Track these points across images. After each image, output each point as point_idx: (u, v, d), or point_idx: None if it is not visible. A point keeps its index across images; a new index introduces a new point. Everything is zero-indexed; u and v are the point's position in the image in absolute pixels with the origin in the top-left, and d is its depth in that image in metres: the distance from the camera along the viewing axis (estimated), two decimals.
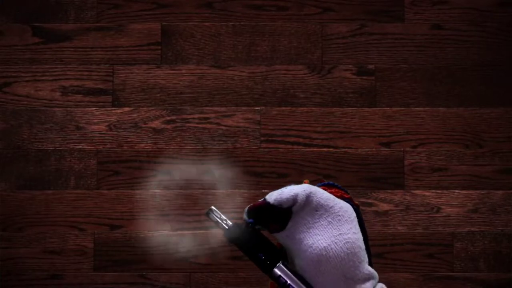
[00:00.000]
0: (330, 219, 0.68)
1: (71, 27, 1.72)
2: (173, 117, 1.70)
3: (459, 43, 1.72)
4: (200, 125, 1.70)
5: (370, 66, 1.71)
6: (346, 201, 0.70)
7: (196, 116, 1.70)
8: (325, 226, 0.67)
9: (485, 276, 1.67)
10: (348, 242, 0.67)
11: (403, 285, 1.67)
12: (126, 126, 1.70)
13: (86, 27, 1.72)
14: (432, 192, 1.69)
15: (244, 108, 1.71)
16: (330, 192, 0.70)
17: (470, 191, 1.69)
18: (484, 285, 1.67)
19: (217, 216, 0.70)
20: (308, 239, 0.67)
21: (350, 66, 1.72)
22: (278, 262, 0.68)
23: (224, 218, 0.70)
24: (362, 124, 1.70)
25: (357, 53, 1.72)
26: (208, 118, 1.70)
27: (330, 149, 1.70)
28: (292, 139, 1.70)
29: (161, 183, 1.68)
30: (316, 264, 0.66)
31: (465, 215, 1.68)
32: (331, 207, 0.68)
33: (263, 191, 1.67)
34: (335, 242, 0.67)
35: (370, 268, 0.68)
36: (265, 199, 0.68)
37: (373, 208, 1.68)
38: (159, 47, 1.72)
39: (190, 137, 1.70)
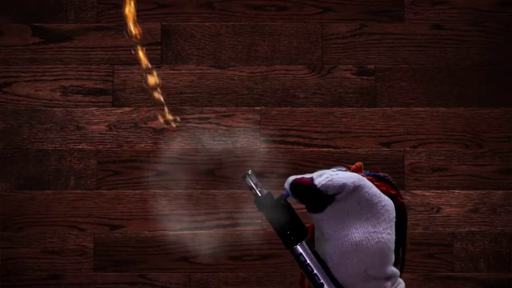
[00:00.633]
0: (369, 215, 0.67)
1: (71, 27, 1.72)
2: (173, 117, 1.70)
3: (459, 43, 1.72)
4: (200, 125, 1.70)
5: (370, 66, 1.71)
6: (390, 197, 0.70)
7: (196, 116, 1.70)
8: (363, 221, 0.67)
9: (485, 276, 1.67)
10: (380, 241, 0.67)
11: None
12: (126, 126, 1.70)
13: (86, 27, 1.72)
14: (432, 192, 1.69)
15: (244, 108, 1.70)
16: (377, 185, 0.69)
17: (470, 191, 1.69)
18: (484, 285, 1.67)
19: (252, 181, 0.68)
20: (343, 229, 0.67)
21: (350, 66, 1.71)
22: (303, 240, 0.68)
23: (260, 184, 0.68)
24: (362, 124, 1.70)
25: (357, 53, 1.72)
26: (208, 118, 1.70)
27: (330, 149, 1.70)
28: (292, 139, 1.70)
29: (161, 183, 1.68)
30: (343, 254, 0.66)
31: (465, 215, 1.68)
32: (375, 203, 0.68)
33: None
34: (368, 239, 0.66)
35: (393, 269, 0.68)
36: (312, 179, 0.67)
37: None
38: (159, 47, 1.72)
39: (190, 137, 1.70)
